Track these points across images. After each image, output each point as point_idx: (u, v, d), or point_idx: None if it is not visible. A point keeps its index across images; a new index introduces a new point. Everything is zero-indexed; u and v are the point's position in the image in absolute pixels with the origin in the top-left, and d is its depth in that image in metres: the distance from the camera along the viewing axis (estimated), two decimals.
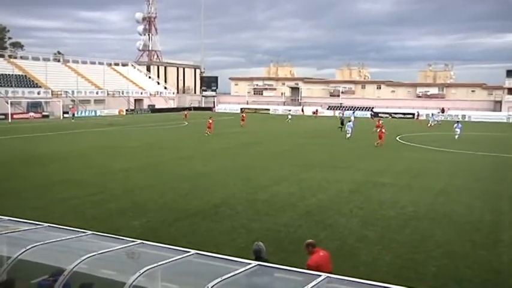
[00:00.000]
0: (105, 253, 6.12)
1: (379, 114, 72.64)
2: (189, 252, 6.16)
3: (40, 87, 69.70)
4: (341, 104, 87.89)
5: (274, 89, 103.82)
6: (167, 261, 5.77)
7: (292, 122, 59.40)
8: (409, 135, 42.69)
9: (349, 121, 42.42)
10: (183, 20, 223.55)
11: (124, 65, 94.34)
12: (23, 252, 6.12)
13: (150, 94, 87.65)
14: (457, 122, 44.73)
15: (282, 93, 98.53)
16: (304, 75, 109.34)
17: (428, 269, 10.56)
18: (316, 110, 78.73)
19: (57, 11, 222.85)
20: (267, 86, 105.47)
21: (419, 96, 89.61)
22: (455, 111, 74.72)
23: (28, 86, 68.63)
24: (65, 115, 64.66)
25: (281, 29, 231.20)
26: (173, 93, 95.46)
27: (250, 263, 5.76)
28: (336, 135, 42.62)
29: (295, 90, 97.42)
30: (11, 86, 64.66)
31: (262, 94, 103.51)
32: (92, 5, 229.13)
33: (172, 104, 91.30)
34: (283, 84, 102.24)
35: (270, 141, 37.19)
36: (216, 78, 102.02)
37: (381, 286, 5.08)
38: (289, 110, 76.44)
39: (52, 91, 69.45)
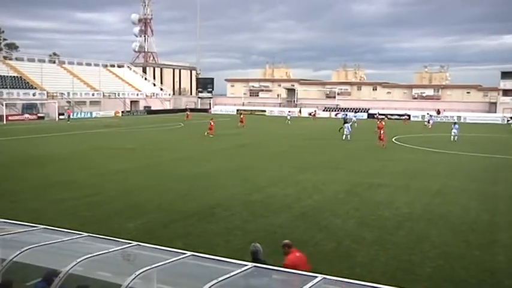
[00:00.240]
0: (101, 255, 6.11)
1: (375, 116, 72.55)
2: (185, 253, 6.16)
3: (35, 88, 69.46)
4: (337, 105, 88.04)
5: (270, 91, 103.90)
6: (163, 263, 5.76)
7: (291, 124, 59.39)
8: (405, 137, 42.80)
9: (347, 122, 42.51)
10: (179, 22, 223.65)
11: (120, 66, 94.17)
12: (18, 255, 6.09)
13: (146, 95, 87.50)
14: (454, 123, 44.87)
15: (278, 95, 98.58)
16: (300, 77, 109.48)
17: (424, 269, 10.59)
18: (315, 112, 78.86)
19: (53, 12, 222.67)
20: (262, 88, 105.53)
21: (415, 98, 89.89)
22: (450, 112, 74.96)
23: (23, 88, 68.36)
24: (61, 117, 64.44)
25: (276, 31, 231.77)
26: (169, 94, 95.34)
27: (246, 265, 5.76)
28: (334, 136, 42.68)
29: (291, 91, 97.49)
30: (6, 88, 64.37)
31: (258, 95, 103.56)
32: (87, 6, 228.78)
33: (168, 106, 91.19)
34: (279, 85, 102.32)
35: (267, 143, 37.20)
36: (212, 79, 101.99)
37: (376, 287, 5.09)
38: (289, 112, 76.55)
39: (47, 92, 69.21)
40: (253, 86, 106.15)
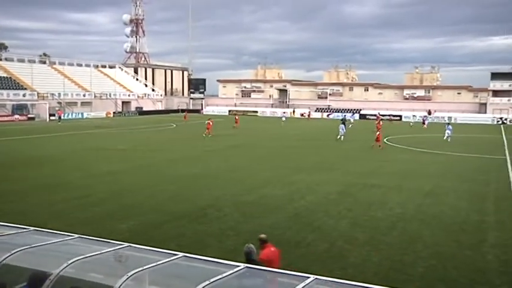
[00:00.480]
0: (92, 256, 6.06)
1: (376, 116, 72.34)
2: (176, 255, 6.13)
3: (25, 89, 68.93)
4: (329, 106, 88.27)
5: (262, 91, 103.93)
6: (155, 264, 5.73)
7: (286, 124, 59.42)
8: (396, 137, 42.99)
9: (342, 123, 42.64)
10: (171, 22, 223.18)
11: (111, 67, 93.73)
12: (8, 257, 6.02)
13: (138, 96, 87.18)
14: (448, 123, 45.15)
15: (270, 96, 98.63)
16: (292, 78, 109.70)
17: (416, 269, 10.64)
18: (309, 112, 79.10)
19: (43, 12, 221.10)
20: (255, 88, 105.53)
21: (406, 98, 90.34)
22: (441, 113, 75.46)
23: (13, 88, 67.81)
24: (51, 117, 64.03)
25: (269, 31, 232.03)
26: (161, 95, 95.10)
27: (238, 266, 5.74)
28: (329, 137, 42.86)
29: (283, 92, 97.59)
30: None
31: (250, 96, 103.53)
32: (78, 7, 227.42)
33: (160, 106, 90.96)
34: (271, 86, 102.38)
35: (261, 143, 37.20)
36: (204, 80, 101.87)
37: (369, 287, 5.09)
38: (284, 112, 76.59)
39: (38, 93, 68.70)
40: (245, 87, 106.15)
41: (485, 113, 77.74)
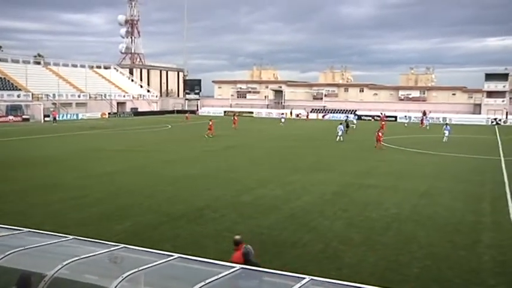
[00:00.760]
0: (88, 258, 6.03)
1: (380, 116, 72.26)
2: (172, 256, 6.11)
3: (20, 90, 68.63)
4: (324, 107, 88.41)
5: (258, 92, 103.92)
6: (150, 265, 5.71)
7: (285, 125, 59.09)
8: (392, 138, 43.07)
9: (340, 124, 42.70)
10: (167, 23, 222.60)
11: (106, 67, 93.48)
12: (1, 258, 5.99)
13: (133, 97, 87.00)
14: (446, 124, 45.34)
15: (265, 96, 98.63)
16: (287, 78, 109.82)
17: (412, 270, 10.66)
18: (308, 114, 79.10)
19: (38, 13, 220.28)
20: (250, 89, 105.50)
21: (402, 99, 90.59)
22: (436, 113, 75.72)
23: (7, 89, 67.51)
24: (46, 118, 63.79)
25: (264, 32, 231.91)
26: (156, 96, 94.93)
27: (234, 267, 5.74)
28: (327, 137, 43.00)
29: (278, 93, 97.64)
30: None
31: (245, 97, 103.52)
32: (73, 8, 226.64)
33: (155, 107, 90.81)
34: (267, 87, 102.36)
35: (259, 144, 37.19)
36: (199, 81, 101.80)
37: None
38: (282, 114, 76.68)
39: (32, 94, 68.43)
40: (240, 88, 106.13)
41: (480, 113, 78.08)
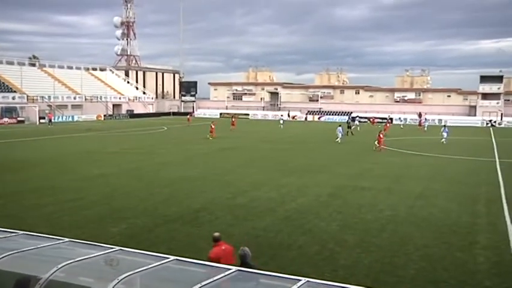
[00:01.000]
0: (83, 260, 6.01)
1: (387, 118, 72.25)
2: (168, 258, 6.10)
3: (15, 92, 68.41)
4: (320, 108, 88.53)
5: (254, 94, 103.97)
6: (146, 267, 5.70)
7: (284, 127, 58.83)
8: (387, 140, 43.16)
9: (339, 126, 42.78)
10: (163, 25, 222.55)
11: (102, 69, 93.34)
12: None
13: (129, 99, 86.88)
14: (444, 126, 45.50)
15: (261, 98, 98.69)
16: (283, 80, 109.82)
17: (407, 271, 10.68)
18: (306, 116, 79.11)
19: (33, 14, 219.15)
20: (246, 91, 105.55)
21: (397, 101, 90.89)
22: (432, 115, 75.97)
23: (2, 91, 67.27)
24: (41, 120, 63.58)
25: (260, 35, 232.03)
26: (152, 98, 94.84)
27: (230, 269, 5.73)
28: (324, 139, 43.07)
29: (274, 95, 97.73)
30: None
31: (241, 99, 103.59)
32: (69, 9, 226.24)
33: (151, 109, 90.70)
34: (263, 89, 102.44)
35: (256, 146, 37.19)
36: (195, 83, 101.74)
37: None
38: (281, 115, 76.75)
39: (27, 96, 68.23)
40: (236, 90, 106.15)
41: (475, 115, 78.43)
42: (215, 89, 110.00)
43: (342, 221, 14.87)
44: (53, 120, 62.63)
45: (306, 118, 78.09)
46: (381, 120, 72.93)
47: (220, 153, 32.45)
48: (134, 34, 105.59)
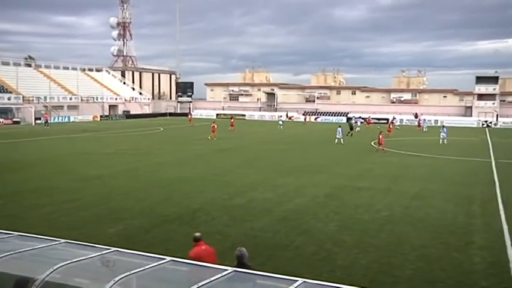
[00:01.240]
0: (79, 261, 5.99)
1: (392, 119, 71.99)
2: (164, 259, 6.08)
3: (10, 92, 68.17)
4: (316, 109, 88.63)
5: (250, 95, 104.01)
6: (142, 268, 5.68)
7: (283, 128, 58.63)
8: (386, 140, 43.19)
9: (339, 127, 42.75)
10: (159, 26, 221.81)
11: (98, 70, 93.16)
12: None
13: (125, 100, 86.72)
14: (443, 126, 45.65)
15: (257, 99, 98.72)
16: (280, 81, 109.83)
17: (404, 272, 10.69)
18: (305, 117, 79.14)
19: (30, 14, 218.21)
20: (242, 92, 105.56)
21: (393, 102, 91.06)
22: (428, 116, 76.17)
23: None
24: (37, 121, 63.40)
25: (257, 35, 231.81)
26: (148, 99, 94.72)
27: (226, 269, 5.72)
28: (322, 140, 43.08)
29: (270, 95, 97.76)
30: None
31: (237, 100, 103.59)
32: (66, 10, 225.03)
33: (147, 110, 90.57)
34: (259, 89, 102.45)
35: (254, 146, 37.17)
36: (192, 83, 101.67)
37: None
38: (280, 116, 76.69)
39: (23, 97, 68.00)
40: (233, 90, 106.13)
41: (471, 116, 78.69)
42: (211, 90, 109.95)
43: (339, 221, 14.88)
44: (49, 121, 62.48)
45: (305, 119, 78.05)
46: (377, 121, 73.10)
47: (218, 153, 32.42)
48: (130, 35, 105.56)
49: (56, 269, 5.64)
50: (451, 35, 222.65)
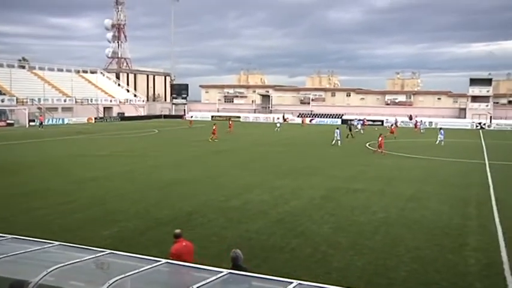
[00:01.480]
0: (73, 264, 5.95)
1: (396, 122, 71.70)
2: (159, 261, 6.06)
3: (4, 94, 67.82)
4: (311, 111, 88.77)
5: (245, 97, 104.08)
6: (137, 271, 5.65)
7: (280, 130, 58.15)
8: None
9: (337, 128, 42.74)
10: (154, 28, 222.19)
11: (93, 72, 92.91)
12: None
13: (120, 102, 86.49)
14: (440, 128, 45.87)
15: (252, 101, 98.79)
16: (275, 83, 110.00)
17: (399, 274, 10.70)
18: (303, 119, 79.42)
19: (25, 16, 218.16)
20: (237, 94, 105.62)
21: (388, 104, 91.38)
22: (422, 118, 76.39)
23: None
24: (31, 123, 63.10)
25: (252, 37, 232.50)
26: (143, 101, 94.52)
27: (221, 271, 5.70)
28: (318, 142, 43.11)
29: (265, 97, 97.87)
30: None
31: (232, 102, 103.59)
32: (60, 11, 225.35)
33: (142, 112, 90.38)
34: (254, 91, 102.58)
35: (251, 148, 37.14)
36: (187, 85, 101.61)
37: None
38: (278, 118, 76.65)
39: (17, 98, 67.66)
40: (228, 92, 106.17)
41: (465, 118, 79.07)
42: (206, 92, 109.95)
43: (335, 223, 14.88)
44: (43, 123, 62.19)
45: (302, 121, 78.18)
46: (372, 123, 73.27)
47: (215, 155, 32.37)
48: (125, 37, 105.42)
49: (50, 271, 5.60)
50: (445, 37, 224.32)
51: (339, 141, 39.94)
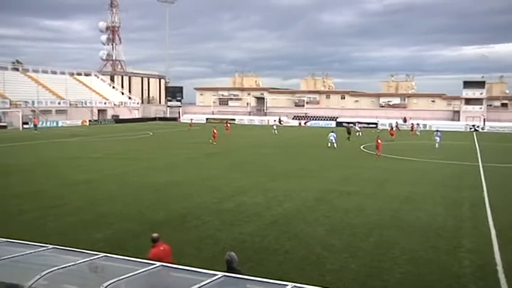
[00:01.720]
0: (67, 267, 5.92)
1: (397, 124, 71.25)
2: (154, 264, 6.04)
3: None
4: (306, 114, 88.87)
5: (240, 99, 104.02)
6: (131, 274, 5.63)
7: (277, 132, 57.72)
8: (372, 144, 43.42)
9: (332, 132, 42.72)
10: (148, 30, 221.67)
11: (87, 74, 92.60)
12: None
13: (114, 104, 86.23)
14: (437, 130, 45.99)
15: (247, 103, 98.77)
16: (269, 86, 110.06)
17: (393, 275, 10.72)
18: (300, 122, 79.18)
19: (18, 19, 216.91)
20: (232, 96, 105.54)
21: (382, 106, 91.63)
22: (416, 120, 76.62)
23: None
24: (25, 126, 62.77)
25: (246, 40, 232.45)
26: (138, 103, 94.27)
27: (216, 274, 5.69)
28: (313, 145, 43.17)
29: (260, 100, 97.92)
30: None
31: (227, 104, 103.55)
32: (54, 14, 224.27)
33: (137, 114, 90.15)
34: (249, 94, 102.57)
35: (246, 151, 37.13)
36: (181, 88, 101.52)
37: None
38: (274, 120, 76.51)
39: (10, 101, 67.29)
40: (222, 95, 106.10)
41: (459, 120, 79.39)
42: (201, 94, 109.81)
43: (329, 225, 14.89)
44: (37, 126, 61.88)
45: (300, 123, 78.08)
46: (366, 125, 73.37)
47: (208, 158, 32.33)
48: (119, 39, 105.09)
49: (44, 275, 5.57)
50: (438, 40, 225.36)
51: (335, 144, 39.96)
